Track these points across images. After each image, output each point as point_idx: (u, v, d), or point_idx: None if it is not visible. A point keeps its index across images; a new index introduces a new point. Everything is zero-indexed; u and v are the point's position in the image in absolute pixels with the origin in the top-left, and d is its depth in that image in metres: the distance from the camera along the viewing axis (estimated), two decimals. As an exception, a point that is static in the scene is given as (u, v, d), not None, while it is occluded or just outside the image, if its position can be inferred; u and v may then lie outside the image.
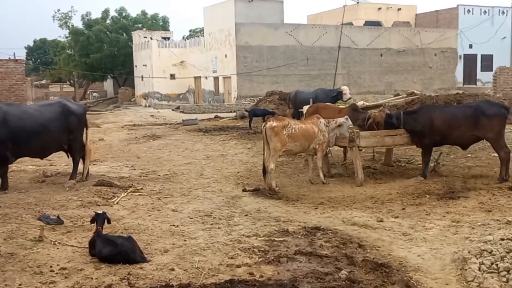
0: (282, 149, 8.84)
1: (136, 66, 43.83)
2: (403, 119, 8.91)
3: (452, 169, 9.41)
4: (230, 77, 33.08)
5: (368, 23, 39.90)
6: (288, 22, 34.43)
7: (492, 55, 40.37)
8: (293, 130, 8.87)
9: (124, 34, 46.68)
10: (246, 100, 30.35)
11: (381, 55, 36.35)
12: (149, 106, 38.30)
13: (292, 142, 8.88)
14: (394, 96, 20.74)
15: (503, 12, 39.25)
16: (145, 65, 40.97)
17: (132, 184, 8.81)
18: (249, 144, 14.22)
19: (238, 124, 19.77)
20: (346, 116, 9.21)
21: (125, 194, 8.03)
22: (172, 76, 39.29)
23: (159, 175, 10.02)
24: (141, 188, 8.56)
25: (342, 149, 10.44)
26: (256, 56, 32.40)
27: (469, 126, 8.23)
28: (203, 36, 37.48)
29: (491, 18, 40.38)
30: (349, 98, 17.48)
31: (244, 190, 8.55)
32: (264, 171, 8.78)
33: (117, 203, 7.47)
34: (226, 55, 33.31)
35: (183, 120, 20.73)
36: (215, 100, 34.05)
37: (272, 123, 8.85)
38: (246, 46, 32.16)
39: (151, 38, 41.56)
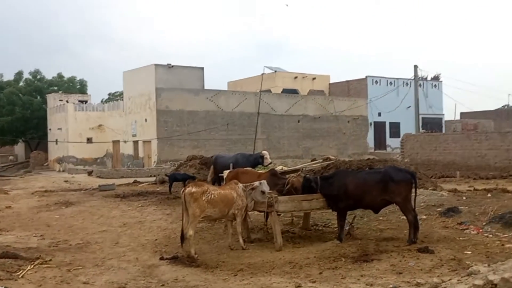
0: (201, 215, 8.76)
1: (50, 129, 42.34)
2: (320, 183, 9.20)
3: (366, 232, 9.74)
4: (150, 141, 32.79)
5: (285, 91, 41.60)
6: (208, 88, 35.14)
7: (399, 123, 43.27)
8: (212, 195, 8.86)
9: (39, 97, 45.26)
10: (166, 164, 30.05)
11: (299, 121, 37.76)
12: (63, 171, 36.76)
13: (211, 208, 8.84)
14: (311, 160, 21.42)
15: (407, 84, 42.52)
16: (60, 129, 39.71)
17: (40, 255, 8.27)
18: (168, 209, 13.93)
19: (157, 189, 19.36)
20: (261, 181, 9.35)
21: (32, 266, 7.51)
22: (89, 140, 38.29)
23: (70, 245, 9.51)
24: (50, 260, 8.05)
25: (262, 213, 10.52)
26: (177, 120, 32.52)
27: (379, 191, 8.64)
28: (123, 100, 37.21)
29: (396, 88, 43.61)
30: (270, 163, 17.79)
31: (161, 259, 8.31)
32: (183, 237, 8.63)
33: (22, 276, 6.96)
34: (146, 119, 33.15)
35: (99, 186, 20.03)
36: (134, 164, 33.41)
37: (191, 188, 8.80)
38: (166, 110, 32.27)
39: (67, 101, 40.64)
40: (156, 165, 30.77)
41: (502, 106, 63.81)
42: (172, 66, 33.41)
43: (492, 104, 76.16)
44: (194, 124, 32.86)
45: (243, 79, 45.71)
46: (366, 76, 44.21)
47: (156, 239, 10.05)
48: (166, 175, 20.59)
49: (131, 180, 23.60)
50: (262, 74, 34.75)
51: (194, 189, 8.75)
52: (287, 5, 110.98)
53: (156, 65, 33.08)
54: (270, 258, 8.21)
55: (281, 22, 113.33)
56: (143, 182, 22.39)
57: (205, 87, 34.81)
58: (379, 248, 8.26)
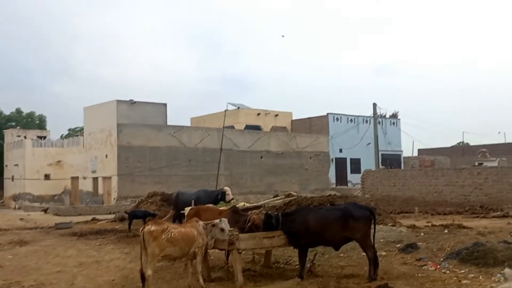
0: (160, 254, 8.58)
1: (6, 165, 41.11)
2: (281, 220, 9.20)
3: (327, 269, 9.75)
4: (110, 177, 32.21)
5: (248, 127, 41.94)
6: (171, 124, 35.06)
7: (359, 159, 44.08)
8: (172, 234, 8.70)
9: (-5, 133, 44.15)
10: (126, 201, 29.51)
11: (261, 157, 37.96)
12: (19, 208, 35.55)
13: (171, 247, 8.67)
14: (273, 197, 21.43)
15: (366, 121, 43.58)
16: (17, 165, 38.61)
17: (-9, 298, 7.92)
18: (127, 248, 13.61)
19: (116, 227, 18.95)
20: (222, 218, 9.29)
21: (-19, 310, 7.16)
22: (47, 177, 37.31)
23: (23, 286, 9.13)
24: (1, 302, 7.71)
25: (223, 251, 10.40)
26: (139, 156, 32.17)
27: (339, 228, 8.72)
28: (83, 135, 36.64)
29: (356, 126, 44.65)
30: (232, 199, 17.68)
31: (119, 300, 8.06)
32: (142, 277, 8.41)
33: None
34: (106, 155, 32.65)
35: (56, 224, 19.44)
36: (93, 201, 32.66)
37: (150, 227, 8.63)
38: (128, 146, 31.91)
39: (25, 137, 39.69)
40: (116, 202, 30.17)
41: (458, 143, 66.04)
42: (135, 102, 33.28)
43: (448, 141, 78.65)
44: (156, 160, 32.57)
45: (206, 115, 45.91)
46: (327, 113, 45.15)
47: (113, 280, 9.76)
48: (125, 212, 20.22)
49: (89, 217, 23.02)
50: (225, 110, 35.06)
51: (153, 227, 8.59)
52: (283, 36, 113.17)
53: (118, 100, 32.89)
54: (231, 297, 8.09)
55: (245, 59, 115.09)
56: (102, 220, 21.87)
57: (168, 123, 34.74)
58: (339, 285, 8.28)
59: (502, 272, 7.68)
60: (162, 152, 32.95)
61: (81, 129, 42.40)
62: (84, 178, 35.10)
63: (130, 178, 31.72)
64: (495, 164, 38.76)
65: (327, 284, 8.36)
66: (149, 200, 22.39)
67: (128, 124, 32.11)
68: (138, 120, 32.63)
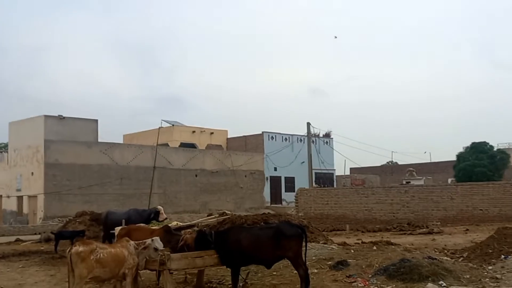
0: (88, 275, 8.25)
1: None
2: (214, 240, 9.13)
3: (260, 288, 9.75)
4: (36, 196, 30.74)
5: (183, 145, 41.56)
6: (102, 141, 34.07)
7: (294, 178, 44.74)
8: (101, 254, 8.40)
9: None
10: (53, 221, 28.23)
11: (196, 176, 37.66)
12: None
13: (100, 268, 8.36)
14: (207, 215, 21.27)
15: (301, 140, 44.44)
16: None
17: None
18: (52, 270, 13.00)
19: (42, 248, 18.15)
20: (153, 238, 9.09)
21: None
22: (-33, 195, 35.09)
23: None
24: None
25: (154, 272, 10.15)
26: (67, 174, 30.97)
27: (271, 246, 8.75)
28: (7, 152, 34.85)
29: (291, 144, 45.41)
30: (165, 218, 17.39)
31: (41, 325, 7.64)
32: (69, 301, 8.04)
33: None
34: (32, 173, 31.19)
35: (-25, 245, 18.29)
36: (17, 221, 31.00)
37: (78, 247, 8.29)
38: (56, 164, 30.67)
39: None
40: (42, 222, 28.80)
41: (387, 163, 68.64)
42: (64, 118, 32.13)
43: (378, 160, 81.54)
44: (86, 178, 31.47)
45: (140, 132, 45.09)
46: (263, 132, 45.64)
47: (37, 304, 9.27)
48: (52, 232, 19.47)
49: (13, 238, 21.86)
50: (159, 127, 34.57)
51: (81, 248, 8.26)
52: (335, 37, 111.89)
53: (46, 116, 31.62)
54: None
55: (180, 76, 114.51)
56: (26, 241, 20.85)
57: (99, 140, 33.74)
58: (272, 304, 8.28)
59: (425, 287, 7.99)
60: (93, 169, 31.91)
61: (6, 146, 40.33)
62: (8, 196, 33.31)
63: (58, 197, 30.43)
64: (421, 182, 40.61)
65: (259, 303, 8.35)
66: (78, 220, 21.55)
67: (56, 141, 30.90)
68: (67, 137, 31.47)
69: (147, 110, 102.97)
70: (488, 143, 41.78)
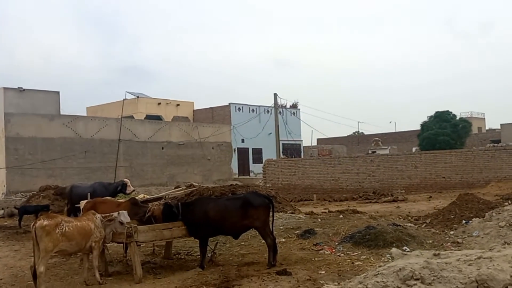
0: (54, 249, 8.12)
1: None
2: (181, 211, 9.08)
3: (228, 258, 9.80)
4: (-3, 171, 29.92)
5: (148, 117, 40.98)
6: (65, 114, 33.23)
7: (261, 149, 44.88)
8: (67, 228, 8.26)
9: None
10: (17, 196, 27.56)
11: (163, 148, 37.27)
12: None
13: (66, 242, 8.23)
14: (175, 188, 21.19)
15: (268, 111, 44.44)
16: None
17: None
18: (16, 245, 12.77)
19: (5, 223, 17.82)
20: (120, 211, 8.99)
21: None
22: None
23: None
24: None
25: (121, 244, 10.06)
26: (29, 148, 30.16)
27: (239, 217, 8.78)
28: (-35, 126, 33.63)
29: (258, 116, 45.36)
30: (133, 191, 17.23)
31: (6, 301, 7.51)
32: (34, 275, 7.90)
33: None
34: (-7, 147, 30.25)
35: None
36: (-22, 197, 30.15)
37: (42, 221, 8.12)
38: (17, 137, 29.79)
39: None
40: (5, 197, 28.09)
41: (354, 133, 69.55)
42: (24, 90, 31.09)
43: (344, 131, 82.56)
44: (49, 151, 30.73)
45: (104, 104, 44.16)
46: (229, 103, 45.38)
47: (1, 279, 9.09)
48: (15, 207, 19.10)
49: (-26, 214, 21.29)
50: (124, 99, 33.91)
51: (46, 222, 8.09)
52: None
53: (5, 88, 30.52)
54: (129, 291, 7.86)
55: (145, 46, 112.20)
56: (-12, 217, 20.33)
57: (62, 113, 32.88)
58: (240, 273, 8.34)
59: (389, 252, 8.16)
60: (56, 143, 31.15)
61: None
62: (-32, 172, 32.32)
63: (20, 171, 29.69)
64: (386, 152, 41.30)
65: (228, 273, 8.38)
66: (41, 194, 21.13)
67: (16, 114, 29.95)
68: (28, 110, 30.52)
69: (110, 82, 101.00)
70: (451, 112, 42.68)
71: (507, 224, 9.71)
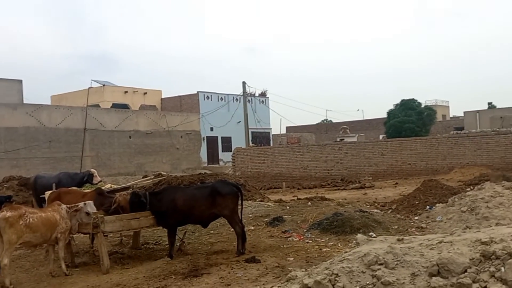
0: (18, 241, 7.97)
1: None
2: (149, 200, 9.02)
3: (197, 247, 9.79)
4: (-42, 162, 29.05)
5: (115, 106, 40.35)
6: (28, 102, 32.41)
7: (230, 137, 44.80)
8: (31, 219, 8.11)
9: None
10: (-22, 188, 26.84)
11: (130, 137, 36.83)
12: None
13: (30, 233, 8.09)
14: (143, 177, 20.99)
15: (236, 99, 44.32)
16: None
17: None
18: (-21, 238, 12.42)
19: (-33, 216, 17.21)
20: (86, 201, 8.87)
21: None
22: None
23: None
24: None
25: (88, 235, 9.94)
26: (-8, 138, 29.38)
27: (207, 205, 8.78)
28: None
29: (227, 104, 45.20)
30: (100, 181, 16.94)
31: (-32, 294, 7.34)
32: (-2, 268, 7.75)
33: None
34: (-47, 138, 29.33)
35: None
36: None
37: (5, 213, 7.96)
38: (-22, 127, 28.97)
39: None
40: (-33, 189, 27.33)
41: (322, 121, 70.13)
42: (-14, 78, 30.20)
43: (313, 119, 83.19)
44: (12, 141, 29.95)
45: (68, 93, 43.23)
46: (198, 91, 45.06)
47: (-38, 273, 8.85)
48: (-23, 199, 18.49)
49: None
50: (89, 88, 33.26)
51: (9, 213, 7.93)
52: None
53: (-35, 76, 29.61)
54: (96, 282, 7.78)
55: (111, 34, 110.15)
56: (-51, 209, 19.69)
57: (25, 102, 32.06)
58: (209, 262, 8.35)
59: (355, 238, 8.31)
60: (19, 132, 30.39)
61: None
62: None
63: (-18, 162, 28.92)
64: (354, 139, 41.83)
65: (196, 262, 8.39)
66: (5, 185, 20.58)
67: (-22, 103, 29.11)
68: (-11, 98, 29.70)
69: (75, 70, 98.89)
70: (416, 100, 43.47)
71: (469, 209, 9.99)
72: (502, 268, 3.87)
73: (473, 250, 4.21)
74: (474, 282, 3.91)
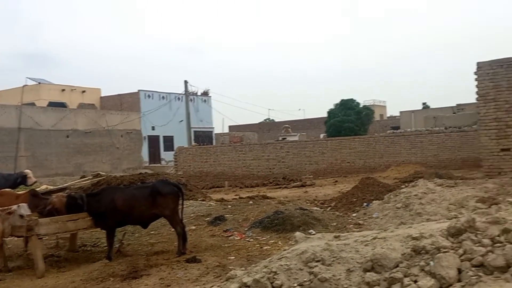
0: None
1: None
2: (86, 201, 8.78)
3: (137, 248, 9.62)
4: None
5: (52, 104, 38.95)
6: (-43, 100, 30.78)
7: (172, 136, 44.32)
8: (-42, 223, 7.71)
9: None
10: None
11: (68, 137, 35.70)
12: None
13: (-42, 238, 7.69)
14: (81, 177, 20.37)
15: (179, 98, 43.91)
16: None
17: None
18: None
19: None
20: (19, 204, 8.53)
21: None
22: None
23: None
24: None
25: (22, 239, 9.54)
26: None
27: (147, 205, 8.64)
28: None
29: (169, 103, 44.68)
30: (35, 182, 16.26)
31: None
32: None
33: None
34: None
35: None
36: None
37: None
38: None
39: None
40: None
41: (264, 120, 70.72)
42: None
43: (256, 118, 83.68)
44: None
45: (1, 90, 41.29)
46: (139, 90, 44.26)
47: None
48: None
49: None
50: (24, 85, 31.96)
51: None
52: None
53: None
54: (31, 286, 7.50)
55: (47, 32, 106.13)
56: None
57: (-47, 99, 30.41)
58: (149, 263, 8.23)
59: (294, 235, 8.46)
60: None
61: None
62: None
63: None
64: (296, 138, 42.44)
65: (136, 263, 8.25)
66: None
67: None
68: None
69: (9, 68, 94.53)
70: (355, 100, 44.68)
71: (403, 206, 10.38)
72: (431, 262, 4.05)
73: (404, 245, 4.38)
74: (405, 276, 4.07)
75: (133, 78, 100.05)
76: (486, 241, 4.07)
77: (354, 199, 12.78)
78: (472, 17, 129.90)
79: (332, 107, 45.25)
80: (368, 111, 45.10)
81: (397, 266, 4.17)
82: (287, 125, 52.82)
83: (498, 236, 4.08)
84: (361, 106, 45.64)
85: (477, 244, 4.06)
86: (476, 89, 15.03)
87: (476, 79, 15.00)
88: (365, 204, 12.01)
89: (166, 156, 43.31)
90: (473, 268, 3.88)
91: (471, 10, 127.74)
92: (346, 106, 43.28)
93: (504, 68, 14.54)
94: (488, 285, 3.69)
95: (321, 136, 44.70)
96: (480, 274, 3.82)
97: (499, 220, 4.24)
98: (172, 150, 37.01)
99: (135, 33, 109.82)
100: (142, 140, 41.98)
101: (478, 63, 14.99)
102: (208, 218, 11.28)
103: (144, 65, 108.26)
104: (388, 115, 68.19)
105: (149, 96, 44.32)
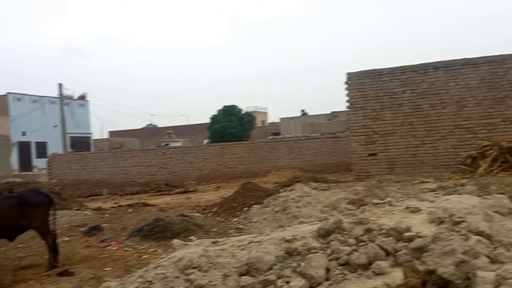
0: None
1: None
2: None
3: (3, 262, 8.88)
4: None
5: None
6: None
7: (46, 142, 41.67)
8: None
9: None
10: None
11: None
12: None
13: None
14: None
15: (53, 102, 41.44)
16: None
17: None
18: None
19: None
20: None
21: None
22: None
23: None
24: None
25: None
26: None
27: (14, 217, 8.00)
28: None
29: (41, 106, 41.97)
30: None
31: None
32: None
33: None
34: None
35: None
36: None
37: None
38: None
39: None
40: None
41: (147, 125, 69.30)
42: None
43: (138, 123, 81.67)
44: None
45: None
46: (8, 93, 41.02)
47: None
48: None
49: None
50: None
51: None
52: None
53: None
54: None
55: None
56: None
57: None
58: (16, 278, 7.65)
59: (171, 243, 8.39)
60: None
61: None
62: None
63: None
64: (179, 144, 42.07)
65: (2, 279, 7.61)
66: None
67: None
68: None
69: None
70: (237, 106, 45.46)
71: (281, 209, 10.74)
72: (302, 263, 4.23)
73: (278, 248, 4.53)
74: (278, 278, 4.20)
75: (1, 81, 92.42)
76: (351, 240, 4.34)
77: (235, 204, 12.96)
78: (344, 30, 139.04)
79: (215, 113, 45.63)
80: (250, 117, 46.14)
81: (271, 268, 4.30)
82: (170, 131, 52.28)
83: (362, 235, 4.38)
84: (243, 112, 46.54)
85: (343, 244, 4.32)
86: (347, 98, 16.02)
87: (346, 88, 15.98)
88: (245, 208, 12.24)
89: (39, 163, 40.58)
90: (339, 267, 4.12)
91: (344, 23, 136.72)
92: (229, 112, 43.89)
93: (370, 78, 15.67)
94: (352, 282, 3.93)
95: (205, 142, 44.84)
96: (346, 272, 4.06)
97: (363, 220, 4.55)
98: (46, 157, 34.78)
99: (7, 32, 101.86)
100: (11, 146, 38.93)
101: (348, 73, 16.00)
102: (83, 228, 10.78)
103: (15, 66, 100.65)
104: (269, 121, 70.36)
105: (19, 99, 41.23)
